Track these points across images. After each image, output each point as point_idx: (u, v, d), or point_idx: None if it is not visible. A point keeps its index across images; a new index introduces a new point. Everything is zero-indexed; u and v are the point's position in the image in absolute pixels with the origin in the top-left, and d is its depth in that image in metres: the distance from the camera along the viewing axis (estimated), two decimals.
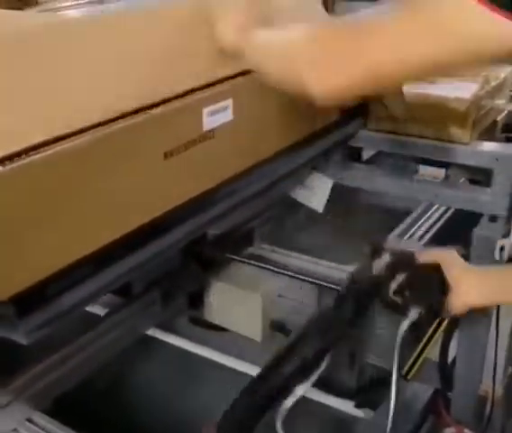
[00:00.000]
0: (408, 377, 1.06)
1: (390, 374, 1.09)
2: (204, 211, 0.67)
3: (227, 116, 0.63)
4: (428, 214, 1.20)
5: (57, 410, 0.85)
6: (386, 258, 0.85)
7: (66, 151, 0.49)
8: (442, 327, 1.01)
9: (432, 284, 0.80)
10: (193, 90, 0.60)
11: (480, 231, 0.88)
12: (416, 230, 1.13)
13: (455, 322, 0.97)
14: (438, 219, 1.20)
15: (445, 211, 1.23)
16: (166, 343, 1.19)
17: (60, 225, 0.50)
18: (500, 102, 1.00)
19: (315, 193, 1.03)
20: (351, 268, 1.06)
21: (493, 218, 0.88)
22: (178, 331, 1.21)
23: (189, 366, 1.18)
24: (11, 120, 0.48)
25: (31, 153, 0.48)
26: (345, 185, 1.03)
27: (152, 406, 1.10)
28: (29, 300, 0.51)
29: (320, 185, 1.03)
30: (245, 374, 1.17)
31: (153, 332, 1.17)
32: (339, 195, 1.06)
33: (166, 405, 1.11)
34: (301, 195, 1.06)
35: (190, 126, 0.60)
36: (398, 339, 1.04)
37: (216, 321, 1.19)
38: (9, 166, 0.46)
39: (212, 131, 0.62)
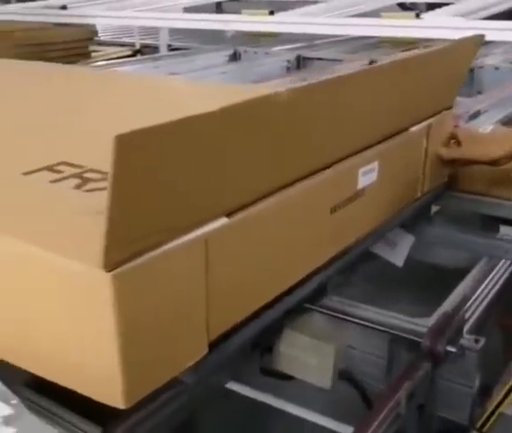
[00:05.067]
0: (484, 430, 1.08)
1: (462, 427, 1.12)
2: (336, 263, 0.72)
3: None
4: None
5: None
6: None
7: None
8: None
9: None
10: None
11: None
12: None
13: None
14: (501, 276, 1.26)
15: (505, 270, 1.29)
16: (233, 391, 1.21)
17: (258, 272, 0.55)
18: None
19: (397, 248, 1.07)
20: (422, 321, 1.10)
21: None
22: (247, 380, 1.23)
23: (259, 415, 1.20)
24: None
25: None
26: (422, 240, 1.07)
27: None
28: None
29: (402, 241, 1.07)
30: (314, 424, 1.20)
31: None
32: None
33: None
34: (381, 249, 1.09)
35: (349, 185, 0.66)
36: (472, 391, 1.08)
37: (285, 370, 1.21)
38: None
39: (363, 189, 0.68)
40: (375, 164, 0.73)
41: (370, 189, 0.73)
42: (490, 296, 1.24)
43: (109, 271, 0.45)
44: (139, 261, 0.47)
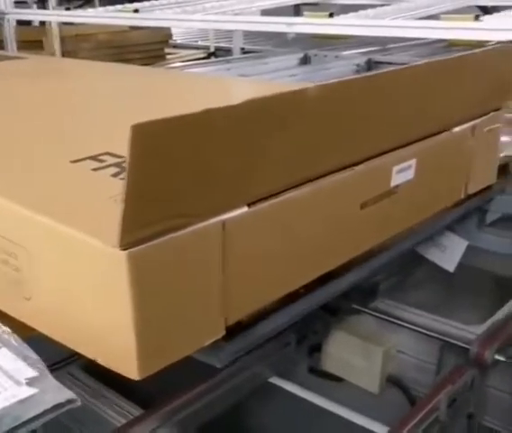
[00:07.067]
0: None
1: None
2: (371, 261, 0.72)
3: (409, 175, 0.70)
4: None
5: None
6: None
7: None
8: None
9: None
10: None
11: None
12: None
13: None
14: None
15: None
16: (282, 389, 1.22)
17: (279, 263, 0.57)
18: None
19: (448, 253, 1.05)
20: (473, 328, 1.08)
21: None
22: (294, 378, 1.24)
23: (304, 414, 1.21)
24: None
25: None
26: (478, 246, 1.05)
27: None
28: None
29: (453, 245, 1.05)
30: (360, 426, 1.20)
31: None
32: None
33: None
34: (431, 253, 1.08)
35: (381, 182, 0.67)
36: None
37: (333, 371, 1.22)
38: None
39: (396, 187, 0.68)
40: (412, 162, 0.73)
41: (406, 188, 0.73)
42: None
43: (124, 250, 0.49)
44: (153, 242, 0.50)
